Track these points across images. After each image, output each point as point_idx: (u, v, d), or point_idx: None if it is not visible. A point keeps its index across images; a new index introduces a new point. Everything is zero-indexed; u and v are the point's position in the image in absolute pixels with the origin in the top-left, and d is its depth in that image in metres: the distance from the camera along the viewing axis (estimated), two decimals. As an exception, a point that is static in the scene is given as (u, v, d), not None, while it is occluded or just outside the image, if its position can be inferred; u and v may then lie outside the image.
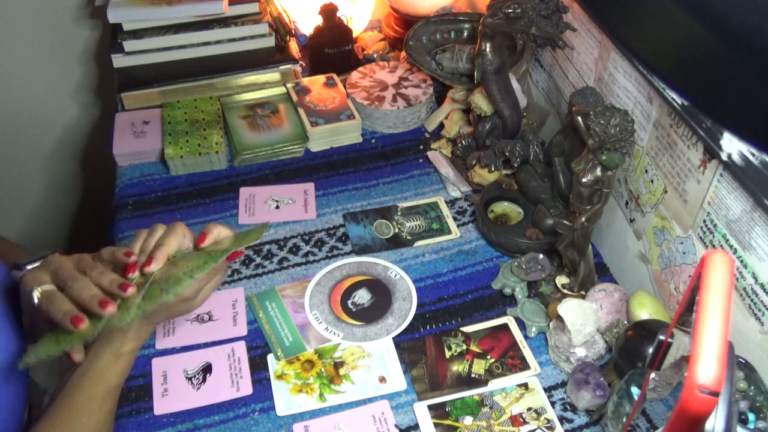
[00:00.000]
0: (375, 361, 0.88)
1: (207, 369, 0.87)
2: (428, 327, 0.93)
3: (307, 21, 1.35)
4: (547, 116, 1.16)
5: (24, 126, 1.60)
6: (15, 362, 0.75)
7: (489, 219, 1.04)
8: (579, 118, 0.85)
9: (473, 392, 0.85)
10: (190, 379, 0.86)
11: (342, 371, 0.87)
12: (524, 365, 0.88)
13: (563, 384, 0.87)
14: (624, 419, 0.73)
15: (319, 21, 1.27)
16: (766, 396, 0.70)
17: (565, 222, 0.91)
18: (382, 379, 0.86)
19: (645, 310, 0.86)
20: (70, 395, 0.72)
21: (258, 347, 0.90)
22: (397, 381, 0.86)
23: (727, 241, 0.77)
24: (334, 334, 0.91)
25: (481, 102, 1.08)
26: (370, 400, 0.84)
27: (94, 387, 0.73)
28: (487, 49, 1.02)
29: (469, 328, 0.93)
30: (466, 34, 1.24)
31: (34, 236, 1.72)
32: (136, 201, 1.10)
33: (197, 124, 1.18)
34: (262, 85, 1.28)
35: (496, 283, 0.98)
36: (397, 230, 1.06)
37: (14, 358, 0.76)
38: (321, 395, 0.84)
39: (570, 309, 0.85)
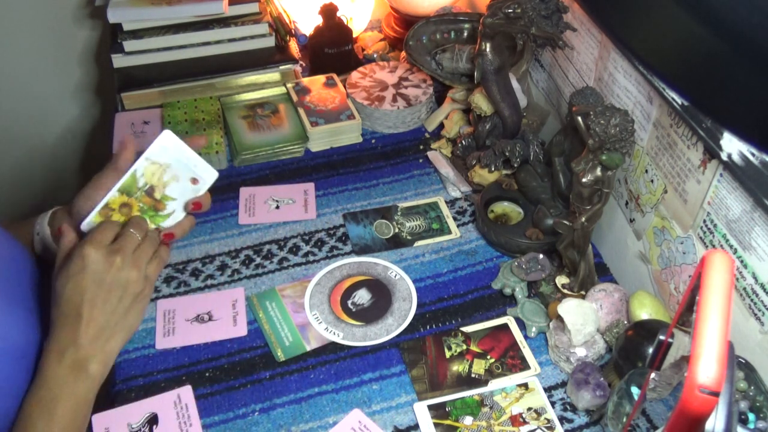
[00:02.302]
0: (177, 167, 0.80)
1: (153, 420, 0.81)
2: (428, 327, 0.93)
3: (307, 21, 1.35)
4: (547, 116, 1.16)
5: (24, 126, 1.60)
6: (28, 348, 0.76)
7: (489, 219, 1.04)
8: (579, 118, 0.85)
9: (473, 392, 0.85)
10: None
11: (157, 195, 0.79)
12: (524, 365, 0.88)
13: (563, 384, 0.87)
14: (624, 419, 0.73)
15: (319, 21, 1.27)
16: (766, 396, 0.70)
17: (565, 222, 0.91)
18: (195, 181, 0.80)
19: (645, 310, 0.86)
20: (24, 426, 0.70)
21: (258, 347, 0.90)
22: (209, 175, 0.81)
23: (727, 241, 0.77)
24: (334, 334, 0.91)
25: (481, 102, 1.08)
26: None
27: (51, 409, 0.70)
28: (487, 49, 1.02)
29: (469, 328, 0.93)
30: (466, 34, 1.24)
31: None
32: (136, 201, 1.10)
33: (197, 124, 1.18)
34: (262, 85, 1.28)
35: (496, 283, 0.98)
36: (397, 230, 1.06)
37: (28, 345, 0.76)
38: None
39: (570, 309, 0.85)
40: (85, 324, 0.73)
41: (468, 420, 0.82)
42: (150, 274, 0.78)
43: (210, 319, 0.93)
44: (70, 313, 0.73)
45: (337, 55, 1.31)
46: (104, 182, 0.80)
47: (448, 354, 0.90)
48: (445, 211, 1.09)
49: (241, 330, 0.92)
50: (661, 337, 0.60)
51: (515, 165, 1.06)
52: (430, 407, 0.83)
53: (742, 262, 0.76)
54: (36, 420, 0.70)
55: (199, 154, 0.82)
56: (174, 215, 0.81)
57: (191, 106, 1.22)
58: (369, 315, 0.94)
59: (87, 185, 0.82)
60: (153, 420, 0.82)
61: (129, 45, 1.23)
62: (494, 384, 0.86)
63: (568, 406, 0.85)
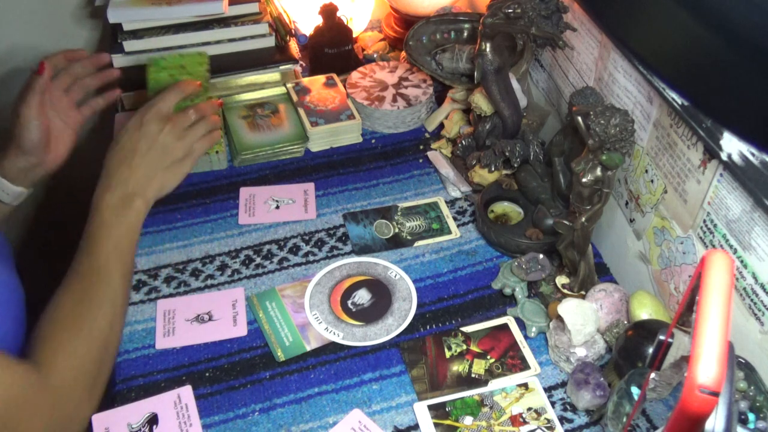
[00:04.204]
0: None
1: (153, 420, 0.82)
2: (428, 327, 0.93)
3: (307, 21, 1.35)
4: (547, 116, 1.16)
5: (24, 126, 1.59)
6: (11, 297, 0.83)
7: (489, 219, 1.04)
8: (579, 118, 0.85)
9: (473, 392, 0.85)
10: None
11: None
12: (524, 365, 0.88)
13: (563, 384, 0.87)
14: (624, 419, 0.73)
15: (319, 21, 1.27)
16: (766, 396, 0.70)
17: (565, 222, 0.91)
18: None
19: (645, 310, 0.86)
20: (86, 257, 0.84)
21: (258, 347, 0.90)
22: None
23: (727, 241, 0.77)
24: (334, 334, 0.91)
25: (481, 102, 1.08)
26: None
27: (107, 238, 0.85)
28: (487, 49, 1.02)
29: (469, 328, 0.93)
30: (466, 34, 1.24)
31: (34, 235, 1.72)
32: (136, 201, 1.10)
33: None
34: (262, 85, 1.28)
35: (496, 283, 0.98)
36: (397, 230, 1.06)
37: (10, 293, 0.83)
38: None
39: (570, 309, 0.85)
40: (133, 168, 0.90)
41: (468, 420, 0.82)
42: (196, 149, 0.95)
43: (210, 319, 0.93)
44: (121, 158, 0.90)
45: (337, 55, 1.31)
46: (28, 102, 0.95)
47: (448, 354, 0.90)
48: (445, 211, 1.09)
49: (241, 330, 0.92)
50: (661, 337, 0.60)
51: (515, 165, 1.06)
52: (430, 407, 0.83)
53: (742, 262, 0.76)
54: (96, 240, 0.85)
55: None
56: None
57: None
58: (369, 315, 0.94)
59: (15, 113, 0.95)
60: (153, 420, 0.81)
61: (129, 45, 1.23)
62: (494, 384, 0.86)
63: (568, 406, 0.85)
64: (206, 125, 0.96)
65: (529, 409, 0.83)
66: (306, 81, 1.28)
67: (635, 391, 0.73)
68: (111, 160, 0.90)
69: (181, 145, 0.93)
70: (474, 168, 1.11)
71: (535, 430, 0.82)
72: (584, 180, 0.86)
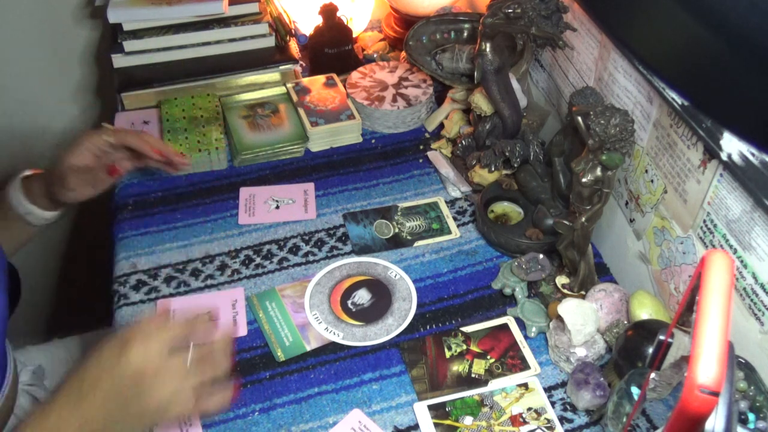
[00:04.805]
0: None
1: None
2: (428, 327, 0.93)
3: (307, 21, 1.35)
4: (547, 116, 1.16)
5: (24, 126, 1.60)
6: None
7: (489, 219, 1.04)
8: (579, 118, 0.85)
9: (473, 392, 0.85)
10: None
11: None
12: (524, 365, 0.88)
13: (563, 384, 0.87)
14: (624, 419, 0.73)
15: (319, 21, 1.27)
16: (766, 396, 0.70)
17: (565, 222, 0.91)
18: None
19: (645, 310, 0.86)
20: None
21: (258, 347, 0.90)
22: None
23: (727, 241, 0.77)
24: (334, 334, 0.91)
25: (481, 102, 1.08)
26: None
27: None
28: (487, 49, 1.02)
29: (469, 328, 0.93)
30: (466, 34, 1.24)
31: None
32: (136, 201, 1.10)
33: (195, 121, 1.18)
34: (262, 85, 1.28)
35: (496, 283, 0.98)
36: (397, 230, 1.06)
37: None
38: None
39: (570, 309, 0.85)
40: (84, 422, 0.57)
41: (468, 420, 0.82)
42: (206, 409, 0.63)
43: (210, 319, 0.93)
44: (74, 395, 0.59)
45: (337, 55, 1.31)
46: (90, 143, 0.94)
47: (448, 354, 0.90)
48: (445, 211, 1.09)
49: (241, 330, 0.92)
50: (661, 337, 0.60)
51: (515, 165, 1.06)
52: (430, 407, 0.83)
53: (742, 262, 0.76)
54: None
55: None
56: None
57: (188, 103, 1.22)
58: (369, 315, 0.94)
59: (72, 147, 0.94)
60: None
61: (129, 45, 1.23)
62: (494, 384, 0.86)
63: (568, 406, 0.85)
64: (223, 386, 0.66)
65: (529, 409, 0.83)
66: (306, 81, 1.28)
67: (635, 391, 0.73)
68: (62, 392, 0.59)
69: (191, 411, 0.64)
70: (474, 168, 1.11)
71: (535, 430, 0.81)
72: (584, 180, 0.86)
